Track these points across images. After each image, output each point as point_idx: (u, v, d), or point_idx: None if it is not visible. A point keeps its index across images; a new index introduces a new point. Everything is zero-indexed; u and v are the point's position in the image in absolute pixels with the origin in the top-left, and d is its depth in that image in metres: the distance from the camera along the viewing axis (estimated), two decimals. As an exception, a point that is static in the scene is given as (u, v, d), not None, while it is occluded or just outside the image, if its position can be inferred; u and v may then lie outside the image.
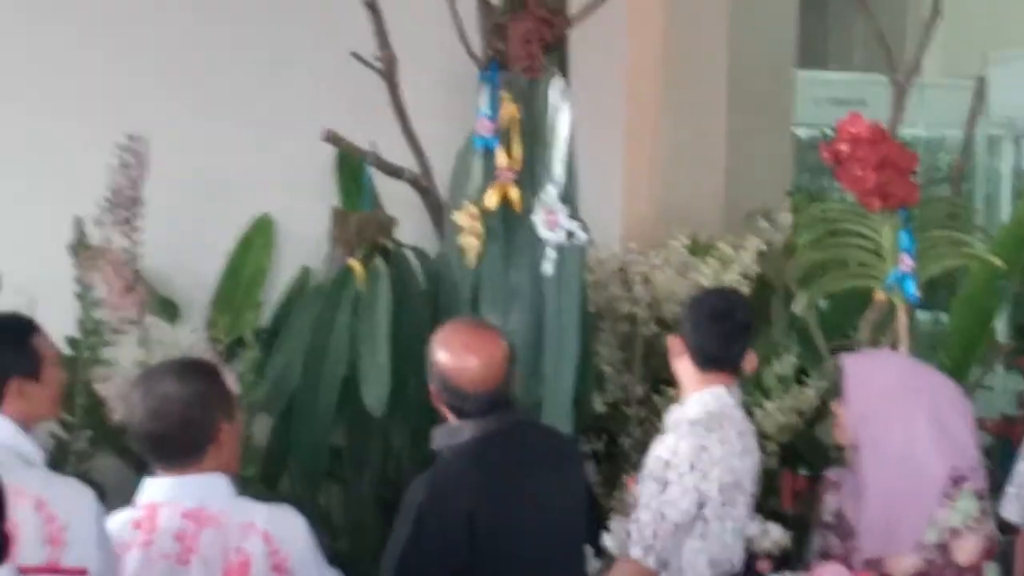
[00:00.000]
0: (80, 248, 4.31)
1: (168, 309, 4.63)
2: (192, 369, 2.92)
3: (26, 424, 2.95)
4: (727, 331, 3.40)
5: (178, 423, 2.77)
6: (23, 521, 2.60)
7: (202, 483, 2.79)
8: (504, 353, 3.15)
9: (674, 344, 3.48)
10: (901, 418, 3.36)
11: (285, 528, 2.80)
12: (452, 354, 3.11)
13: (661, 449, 3.32)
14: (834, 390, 3.59)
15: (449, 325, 3.27)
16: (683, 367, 3.46)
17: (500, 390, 3.12)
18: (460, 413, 3.11)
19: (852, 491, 3.49)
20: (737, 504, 3.34)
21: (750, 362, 3.47)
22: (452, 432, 3.11)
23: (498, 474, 3.06)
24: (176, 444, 2.78)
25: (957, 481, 3.33)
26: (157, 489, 2.80)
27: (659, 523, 3.24)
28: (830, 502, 3.60)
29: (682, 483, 3.26)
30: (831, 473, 3.68)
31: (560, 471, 3.22)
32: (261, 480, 4.26)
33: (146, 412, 2.79)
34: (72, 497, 2.81)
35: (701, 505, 3.28)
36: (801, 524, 4.68)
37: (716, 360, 3.41)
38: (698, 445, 3.29)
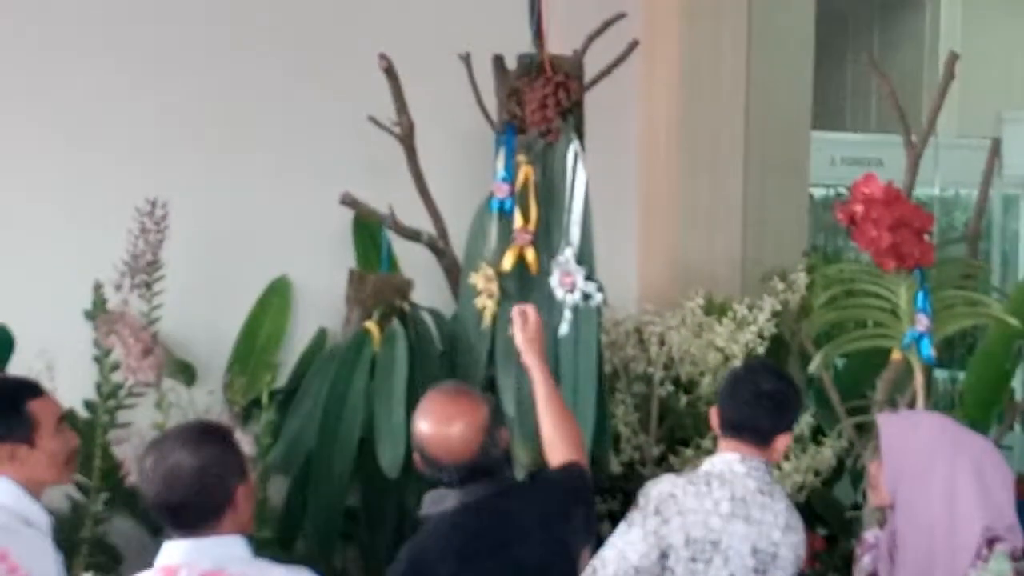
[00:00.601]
0: (98, 311, 4.34)
1: (186, 371, 4.65)
2: (203, 434, 2.89)
3: (28, 488, 2.97)
4: (747, 399, 3.37)
5: (193, 492, 2.76)
6: None
7: (220, 545, 2.78)
8: (483, 420, 3.09)
9: (712, 414, 3.49)
10: (939, 477, 3.34)
11: None
12: (429, 423, 3.09)
13: (639, 494, 3.35)
14: (851, 447, 3.57)
15: (430, 393, 3.21)
16: (719, 436, 3.46)
17: (479, 459, 3.07)
18: (439, 483, 3.11)
19: (887, 552, 3.47)
20: (713, 566, 3.27)
21: (782, 442, 3.40)
22: (438, 499, 3.10)
23: (478, 543, 3.03)
24: (192, 512, 2.77)
25: (991, 541, 3.31)
26: (175, 552, 2.79)
27: (619, 562, 3.23)
28: (866, 563, 3.58)
29: (644, 526, 3.26)
30: (868, 535, 3.66)
31: (550, 534, 3.16)
32: (277, 542, 4.25)
33: (160, 482, 2.78)
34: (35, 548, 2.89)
35: (664, 554, 3.25)
36: (820, 586, 4.67)
37: (734, 427, 3.39)
38: (667, 491, 3.29)
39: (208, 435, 2.89)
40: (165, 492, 2.77)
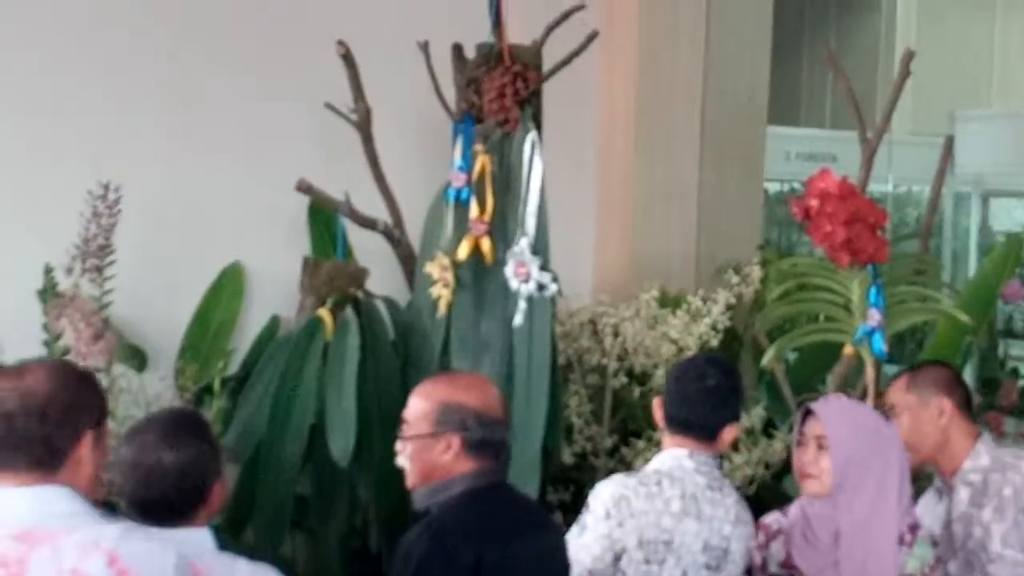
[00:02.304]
0: (49, 295, 4.29)
1: (136, 357, 4.61)
2: (184, 429, 2.85)
3: None
4: (693, 395, 3.37)
5: (172, 489, 2.76)
6: None
7: (188, 538, 2.76)
8: None
9: (655, 407, 3.47)
10: (880, 464, 3.36)
11: None
12: (472, 391, 3.07)
13: (590, 496, 3.33)
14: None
15: (439, 376, 3.24)
16: (664, 430, 3.46)
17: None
18: (487, 448, 3.02)
19: (806, 540, 3.44)
20: (666, 566, 3.27)
21: (729, 434, 3.41)
22: (439, 489, 3.02)
23: (498, 529, 2.99)
24: (166, 508, 2.76)
25: (913, 528, 3.35)
26: None
27: (573, 565, 3.21)
28: (775, 552, 3.53)
29: (596, 529, 3.25)
30: (770, 520, 3.58)
31: (549, 536, 3.16)
32: (226, 528, 4.22)
33: (138, 480, 2.76)
34: None
35: (617, 556, 3.25)
36: None
37: (680, 423, 3.38)
38: (619, 494, 3.27)
39: (188, 430, 2.87)
40: (143, 490, 2.76)
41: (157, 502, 2.74)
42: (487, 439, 3.02)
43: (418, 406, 3.07)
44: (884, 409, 3.79)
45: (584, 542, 3.26)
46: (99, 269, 4.34)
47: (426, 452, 3.03)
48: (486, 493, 3.02)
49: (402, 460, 3.09)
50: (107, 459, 2.52)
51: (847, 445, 3.37)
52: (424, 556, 2.89)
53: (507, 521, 3.03)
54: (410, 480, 3.08)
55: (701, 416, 3.36)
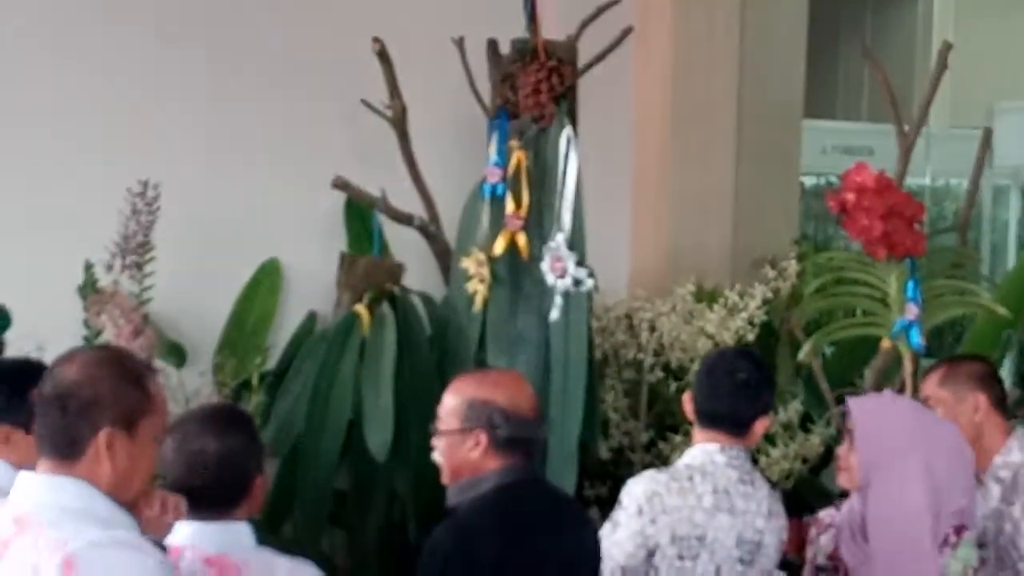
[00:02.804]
0: (89, 291, 4.33)
1: (176, 353, 4.64)
2: (229, 420, 2.90)
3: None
4: (724, 389, 3.36)
5: (214, 477, 2.78)
6: None
7: (227, 530, 2.80)
8: None
9: (685, 400, 3.47)
10: (912, 465, 3.33)
11: None
12: (500, 388, 3.06)
13: (622, 492, 3.32)
14: (839, 434, 3.55)
15: (470, 373, 3.23)
16: (693, 424, 3.46)
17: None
18: (516, 446, 3.01)
19: (852, 534, 3.45)
20: (700, 561, 3.27)
21: (760, 427, 3.40)
22: (469, 486, 3.02)
23: (524, 526, 2.99)
24: (209, 498, 2.78)
25: (959, 530, 3.31)
26: (180, 532, 2.80)
27: (606, 562, 3.22)
28: (823, 543, 3.55)
29: (629, 526, 3.25)
30: (823, 514, 3.61)
31: (580, 533, 3.15)
32: (265, 524, 4.25)
33: (182, 464, 2.79)
34: None
35: (651, 553, 3.25)
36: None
37: (711, 417, 3.38)
38: (651, 490, 3.27)
39: (233, 421, 2.92)
40: (186, 475, 2.78)
41: (199, 490, 2.76)
42: (515, 436, 3.01)
43: (449, 402, 3.08)
44: (920, 402, 3.77)
45: (617, 539, 3.26)
46: (139, 266, 4.38)
47: (456, 448, 3.04)
48: (516, 489, 3.01)
49: (437, 456, 3.10)
50: (149, 459, 2.45)
51: (873, 443, 3.36)
52: (448, 553, 2.90)
53: (536, 517, 3.02)
54: (444, 476, 3.09)
55: (733, 410, 3.36)
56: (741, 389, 3.36)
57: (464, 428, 3.02)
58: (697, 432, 3.43)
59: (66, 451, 2.37)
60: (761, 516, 3.35)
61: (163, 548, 2.58)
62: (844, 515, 3.50)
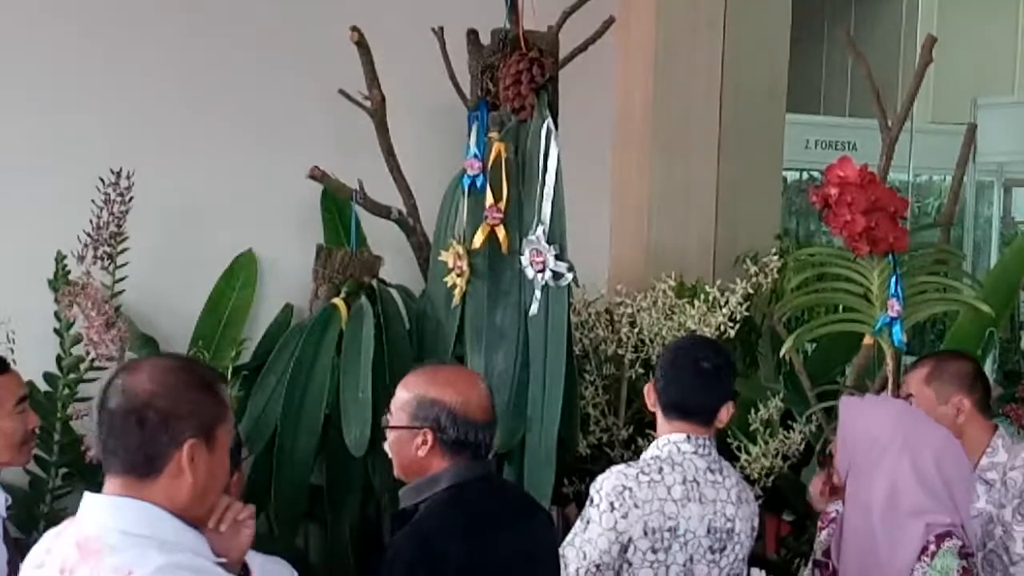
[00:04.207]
0: (60, 283, 4.27)
1: (149, 346, 4.58)
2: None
3: None
4: (689, 379, 3.35)
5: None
6: None
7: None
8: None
9: (647, 392, 3.45)
10: (886, 467, 3.29)
11: None
12: (450, 388, 2.97)
13: (592, 489, 3.30)
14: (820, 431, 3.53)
15: (425, 367, 3.13)
16: (657, 415, 3.43)
17: (495, 420, 3.03)
18: (463, 448, 2.94)
19: (839, 531, 3.44)
20: (672, 553, 3.25)
21: (726, 413, 3.39)
22: (424, 486, 2.96)
23: (484, 525, 2.93)
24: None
25: (941, 538, 3.24)
26: None
27: (581, 561, 3.20)
28: (823, 537, 3.55)
29: (601, 523, 3.23)
30: (831, 508, 3.59)
31: (535, 524, 3.10)
32: (240, 520, 4.20)
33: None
34: None
35: (624, 548, 3.22)
36: (786, 569, 4.65)
37: (677, 408, 3.36)
38: (620, 485, 3.25)
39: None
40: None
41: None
42: (462, 440, 2.94)
43: (400, 396, 3.01)
44: (902, 397, 3.74)
45: (589, 536, 3.23)
46: (111, 257, 4.32)
47: (404, 444, 2.98)
48: (471, 487, 2.96)
49: (387, 447, 3.04)
50: (224, 469, 2.33)
51: (850, 444, 3.34)
52: (412, 559, 2.82)
53: (494, 515, 2.97)
54: (395, 470, 3.04)
55: (700, 400, 3.36)
56: (706, 378, 3.35)
57: (412, 425, 2.96)
58: (662, 423, 3.41)
59: (143, 469, 2.22)
60: (731, 503, 3.35)
61: (245, 568, 2.47)
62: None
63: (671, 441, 3.36)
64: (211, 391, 2.29)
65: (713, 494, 3.33)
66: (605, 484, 3.27)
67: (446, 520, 2.89)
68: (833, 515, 3.55)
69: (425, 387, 2.99)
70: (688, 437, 3.34)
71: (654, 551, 3.24)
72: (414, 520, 2.92)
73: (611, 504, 3.23)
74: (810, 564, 3.63)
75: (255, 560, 2.74)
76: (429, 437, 2.94)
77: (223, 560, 2.33)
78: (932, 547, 3.21)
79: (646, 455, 3.39)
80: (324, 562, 4.52)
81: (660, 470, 3.29)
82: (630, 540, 3.23)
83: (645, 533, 3.23)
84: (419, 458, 2.95)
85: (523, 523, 3.05)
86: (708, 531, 3.30)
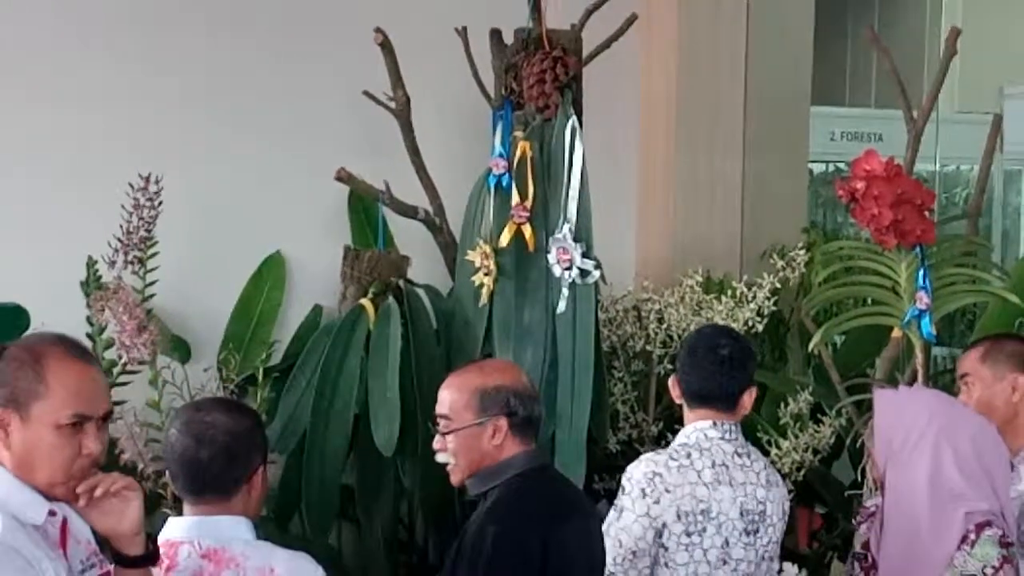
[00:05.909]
0: (92, 287, 4.31)
1: (180, 348, 4.61)
2: (237, 405, 3.04)
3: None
4: (708, 367, 3.38)
5: (222, 451, 2.78)
6: None
7: (224, 524, 2.79)
8: None
9: (672, 385, 3.48)
10: (926, 457, 3.29)
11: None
12: (503, 374, 3.10)
13: (623, 479, 3.34)
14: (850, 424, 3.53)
15: (462, 369, 3.19)
16: (683, 407, 3.46)
17: None
18: (529, 428, 3.04)
19: (879, 524, 3.44)
20: (707, 536, 3.28)
21: (748, 398, 3.42)
22: (492, 473, 3.01)
23: (554, 507, 3.00)
24: (213, 474, 2.78)
25: (981, 527, 3.25)
26: (178, 527, 2.80)
27: (617, 549, 3.23)
28: (862, 531, 3.55)
29: (634, 510, 3.25)
30: (869, 503, 3.60)
31: (594, 515, 3.17)
32: (273, 520, 4.23)
33: (190, 437, 2.79)
34: None
35: (658, 533, 3.25)
36: (818, 562, 4.64)
37: (700, 396, 3.40)
38: (651, 471, 3.28)
39: (241, 407, 3.05)
40: (194, 447, 2.78)
41: (205, 465, 2.76)
42: (530, 416, 3.04)
43: (455, 398, 3.05)
44: (957, 378, 3.73)
45: (624, 524, 3.26)
46: (141, 261, 4.35)
47: (474, 441, 3.02)
48: (537, 475, 3.04)
49: (444, 456, 3.07)
50: (55, 451, 2.37)
51: (887, 439, 3.34)
52: (496, 540, 2.87)
53: (561, 503, 3.04)
54: (457, 476, 3.06)
55: (720, 386, 3.38)
56: (726, 364, 3.38)
57: (481, 420, 3.01)
58: (687, 413, 3.45)
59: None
60: (761, 486, 3.38)
61: (154, 544, 2.52)
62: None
63: (697, 428, 3.39)
64: (33, 370, 2.35)
65: (743, 477, 3.36)
66: (635, 472, 3.30)
67: (523, 503, 2.96)
68: (872, 510, 3.55)
69: (481, 380, 3.06)
70: (714, 423, 3.38)
71: (688, 534, 3.27)
72: (490, 504, 2.99)
73: (642, 491, 3.26)
74: (849, 557, 3.62)
75: (280, 555, 2.79)
76: (503, 423, 3.01)
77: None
78: (972, 536, 3.23)
79: (674, 443, 3.42)
80: (357, 561, 4.55)
81: (689, 455, 3.33)
82: (664, 525, 3.25)
83: (678, 517, 3.25)
84: (492, 449, 3.02)
85: (583, 516, 3.09)
86: (741, 514, 3.33)
